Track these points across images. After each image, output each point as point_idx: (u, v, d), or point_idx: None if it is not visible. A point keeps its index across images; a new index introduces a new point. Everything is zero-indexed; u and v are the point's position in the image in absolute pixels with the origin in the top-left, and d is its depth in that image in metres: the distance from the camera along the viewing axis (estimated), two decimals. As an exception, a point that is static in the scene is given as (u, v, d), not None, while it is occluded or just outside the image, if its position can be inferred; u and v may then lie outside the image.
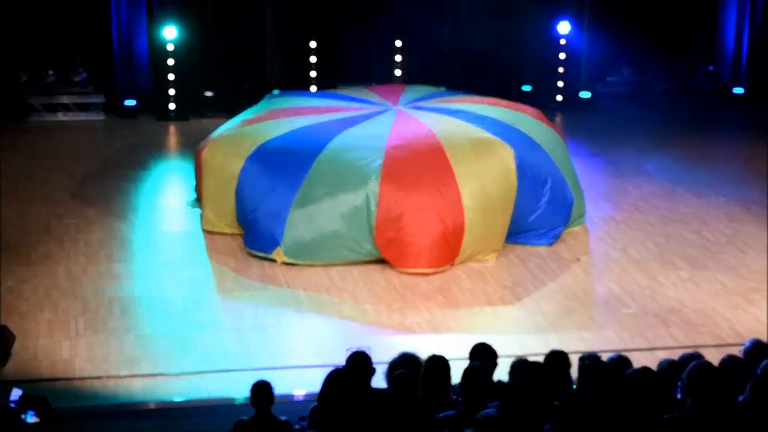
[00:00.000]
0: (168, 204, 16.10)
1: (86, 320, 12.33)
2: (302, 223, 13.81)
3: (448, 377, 7.91)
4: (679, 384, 7.52)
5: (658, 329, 12.42)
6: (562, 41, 20.97)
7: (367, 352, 8.26)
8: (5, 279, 13.20)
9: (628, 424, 7.09)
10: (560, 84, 21.13)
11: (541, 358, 8.36)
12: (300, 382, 10.93)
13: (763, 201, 16.12)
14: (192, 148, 16.42)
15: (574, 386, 8.17)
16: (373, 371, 8.20)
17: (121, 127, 19.65)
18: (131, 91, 20.10)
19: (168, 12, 19.82)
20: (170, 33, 19.79)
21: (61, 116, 19.89)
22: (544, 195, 14.51)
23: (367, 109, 15.75)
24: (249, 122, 15.50)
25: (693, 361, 7.62)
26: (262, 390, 8.14)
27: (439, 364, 7.87)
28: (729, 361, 8.18)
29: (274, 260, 13.83)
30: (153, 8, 19.90)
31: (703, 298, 13.21)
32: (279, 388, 8.41)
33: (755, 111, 20.88)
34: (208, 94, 20.29)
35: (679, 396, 7.66)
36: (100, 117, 20.02)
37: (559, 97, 21.12)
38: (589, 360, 8.22)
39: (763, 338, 9.20)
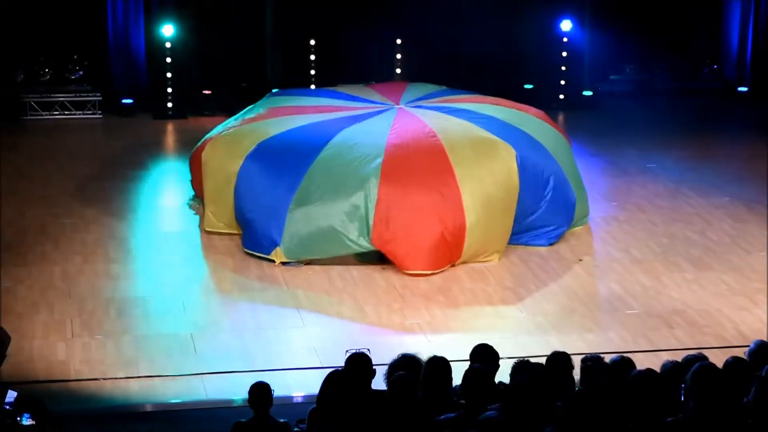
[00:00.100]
0: (166, 204, 16.04)
1: (82, 321, 12.27)
2: (301, 221, 13.75)
3: (449, 379, 7.84)
4: (683, 386, 7.42)
5: (661, 330, 12.35)
6: (565, 39, 20.92)
7: (367, 353, 8.19)
8: (1, 279, 13.12)
9: (631, 426, 7.00)
10: (562, 82, 21.07)
11: (542, 360, 8.28)
12: (299, 384, 10.92)
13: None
14: (190, 147, 16.33)
15: (577, 388, 8.09)
16: (372, 373, 8.13)
17: (119, 125, 19.65)
18: (128, 89, 20.09)
19: (166, 10, 19.78)
20: (168, 31, 19.75)
21: (57, 115, 19.84)
22: (546, 195, 14.44)
23: (367, 108, 15.68)
24: (248, 121, 15.44)
25: (697, 362, 7.51)
26: (260, 392, 8.08)
27: (440, 365, 7.80)
28: (733, 362, 8.10)
29: (273, 260, 13.76)
30: (151, 6, 19.89)
31: (707, 299, 13.14)
32: (278, 390, 8.37)
33: (759, 110, 20.81)
34: (206, 92, 20.24)
35: (682, 398, 7.57)
36: (97, 116, 19.97)
37: (561, 96, 21.05)
38: (592, 361, 8.15)
39: (768, 340, 9.12)
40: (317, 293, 13.14)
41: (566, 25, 20.88)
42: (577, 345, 11.63)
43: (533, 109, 16.10)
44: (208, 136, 15.69)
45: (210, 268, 13.88)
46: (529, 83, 21.21)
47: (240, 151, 14.57)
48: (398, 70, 20.94)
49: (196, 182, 15.39)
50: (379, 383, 8.07)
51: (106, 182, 16.59)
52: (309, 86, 20.28)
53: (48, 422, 9.76)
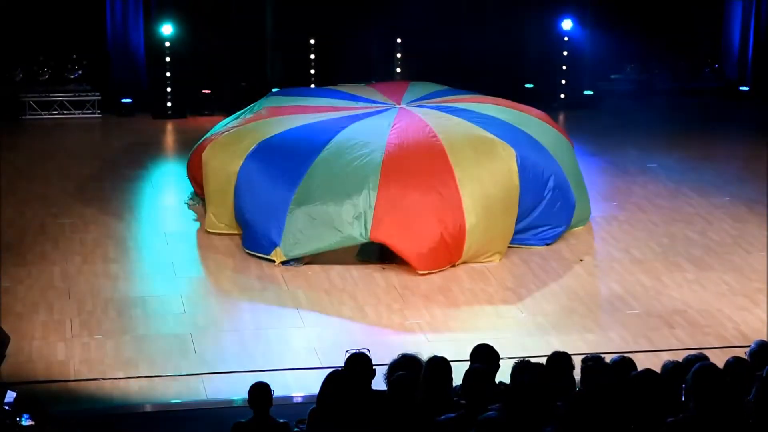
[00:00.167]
0: (165, 203, 16.01)
1: (82, 321, 12.24)
2: (301, 220, 13.73)
3: (449, 379, 7.83)
4: (684, 386, 7.41)
5: (662, 330, 12.33)
6: (565, 39, 20.91)
7: (367, 353, 8.17)
8: (0, 279, 13.10)
9: (632, 426, 6.99)
10: (563, 82, 21.06)
11: (543, 360, 8.26)
12: (299, 384, 10.89)
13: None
14: (189, 146, 16.31)
15: (577, 388, 8.07)
16: (372, 373, 8.12)
17: (118, 125, 19.63)
18: (128, 89, 20.06)
19: (165, 9, 19.76)
20: (167, 30, 19.73)
21: (56, 114, 19.82)
22: (545, 196, 14.42)
23: (368, 107, 15.65)
24: (248, 120, 15.43)
25: (697, 362, 7.50)
26: (260, 392, 8.05)
27: (440, 365, 7.78)
28: (734, 363, 8.09)
29: (272, 260, 13.73)
30: (150, 5, 19.86)
31: (708, 299, 13.12)
32: (278, 390, 8.34)
33: (760, 109, 20.79)
34: (206, 92, 20.22)
35: (683, 398, 7.55)
36: (96, 115, 19.95)
37: (561, 95, 21.04)
38: (592, 361, 8.13)
39: (769, 340, 9.10)
40: (317, 293, 13.12)
41: (567, 25, 20.87)
42: (578, 345, 11.62)
43: (535, 110, 16.07)
44: (207, 135, 15.69)
45: (210, 268, 13.85)
46: (530, 82, 21.20)
47: (240, 151, 14.55)
48: (398, 70, 20.91)
49: (196, 182, 15.38)
50: (379, 383, 8.05)
51: (105, 182, 16.56)
52: (309, 86, 20.26)
53: (47, 422, 9.75)
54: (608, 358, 8.26)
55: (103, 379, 11.09)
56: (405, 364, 8.01)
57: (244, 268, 13.72)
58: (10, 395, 9.88)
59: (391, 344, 11.36)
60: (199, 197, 15.44)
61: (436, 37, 20.67)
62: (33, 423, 9.63)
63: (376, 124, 14.92)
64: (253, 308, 12.82)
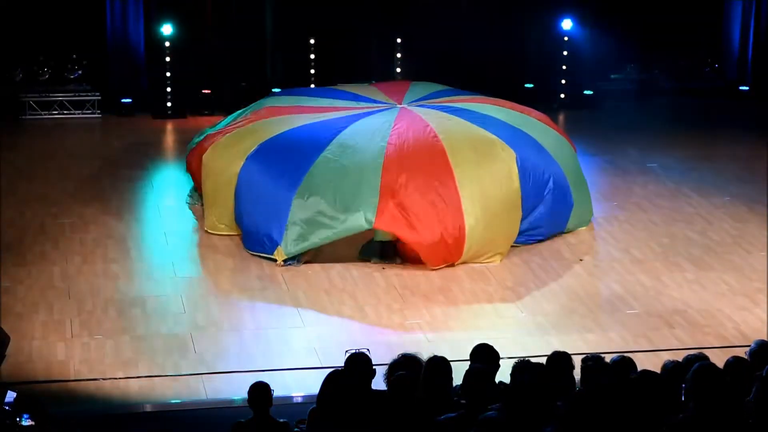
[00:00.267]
0: (165, 203, 15.98)
1: (81, 321, 12.23)
2: (303, 215, 13.73)
3: (449, 379, 7.82)
4: (684, 386, 7.40)
5: (662, 330, 12.33)
6: (566, 38, 20.89)
7: (367, 353, 8.16)
8: (0, 279, 13.09)
9: (632, 426, 6.98)
10: (563, 82, 21.05)
11: (543, 360, 8.25)
12: (299, 384, 10.88)
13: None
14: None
15: (577, 388, 8.07)
16: (372, 373, 8.11)
17: (118, 125, 19.61)
18: (127, 88, 20.04)
19: (165, 9, 19.74)
20: (167, 30, 19.72)
21: (56, 114, 19.81)
22: (545, 197, 14.42)
23: (370, 107, 15.64)
24: (249, 120, 15.41)
25: (697, 362, 7.50)
26: (260, 392, 8.04)
27: (440, 365, 7.78)
28: (734, 362, 8.08)
29: (273, 260, 13.72)
30: (150, 5, 19.84)
31: (708, 299, 13.11)
32: (278, 390, 8.34)
33: (761, 109, 20.77)
34: (206, 92, 20.21)
35: (683, 398, 7.55)
36: (96, 115, 19.94)
37: (561, 95, 21.03)
38: (592, 361, 8.13)
39: (769, 339, 9.10)
40: (317, 293, 13.11)
41: (567, 25, 20.85)
42: (578, 345, 11.61)
43: (536, 112, 16.06)
44: (208, 132, 15.70)
45: (210, 268, 13.84)
46: (530, 82, 21.19)
47: (241, 152, 14.56)
48: (398, 70, 20.90)
49: (195, 178, 15.38)
50: (379, 383, 8.04)
51: (105, 182, 16.55)
52: (309, 86, 20.24)
53: (47, 422, 9.73)
54: (608, 358, 8.25)
55: (103, 379, 11.08)
56: (405, 364, 8.01)
57: (244, 268, 13.72)
58: (10, 395, 9.86)
59: (391, 344, 11.36)
60: (198, 194, 15.43)
61: (436, 37, 20.65)
62: (33, 423, 9.61)
63: (377, 123, 14.92)
64: (253, 308, 12.81)
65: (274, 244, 13.75)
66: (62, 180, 16.58)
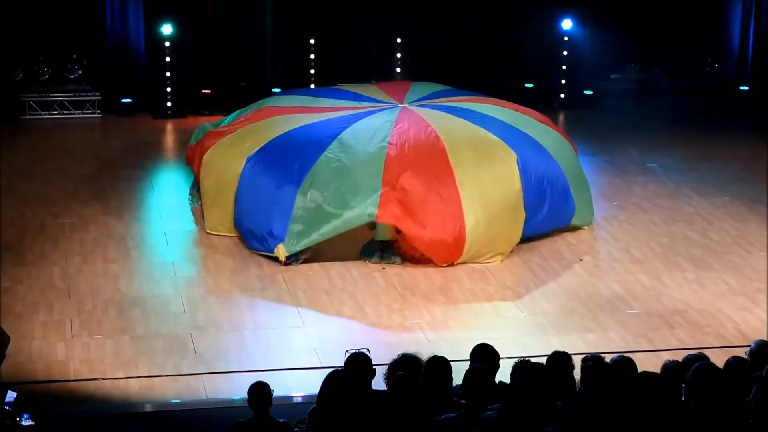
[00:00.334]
0: (165, 203, 15.97)
1: (81, 321, 12.23)
2: (306, 210, 13.75)
3: (449, 378, 7.82)
4: (684, 386, 7.40)
5: (662, 330, 12.32)
6: (566, 38, 20.89)
7: (367, 353, 8.15)
8: (0, 279, 13.09)
9: (632, 426, 6.97)
10: (563, 81, 21.05)
11: (543, 360, 8.25)
12: (299, 384, 10.87)
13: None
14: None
15: (577, 388, 8.06)
16: (372, 373, 8.10)
17: (118, 125, 19.61)
18: (127, 88, 20.03)
19: (165, 9, 19.74)
20: (167, 30, 19.72)
21: (56, 114, 19.81)
22: (546, 198, 14.43)
23: (371, 106, 15.64)
24: (250, 120, 15.41)
25: (697, 362, 7.50)
26: (260, 391, 8.04)
27: (440, 365, 7.77)
28: (734, 362, 8.08)
29: (274, 259, 13.73)
30: (150, 5, 19.83)
31: (708, 299, 13.11)
32: (277, 390, 8.33)
33: (760, 109, 20.77)
34: (206, 92, 20.21)
35: (683, 398, 7.54)
36: (96, 115, 19.94)
37: (561, 95, 21.03)
38: (592, 361, 8.12)
39: (769, 339, 9.10)
40: (317, 293, 13.11)
41: (567, 25, 20.85)
42: (578, 345, 11.61)
43: (536, 113, 16.07)
44: (208, 128, 15.74)
45: (210, 268, 13.83)
46: (530, 82, 21.19)
47: (242, 154, 14.58)
48: (398, 70, 20.90)
49: (196, 173, 15.38)
50: (379, 383, 8.04)
51: (105, 182, 16.55)
52: (309, 86, 20.25)
53: (47, 422, 9.73)
54: (608, 358, 8.25)
55: (103, 379, 11.08)
56: (405, 364, 8.00)
57: (244, 268, 13.71)
58: (11, 395, 9.86)
59: (391, 344, 11.35)
60: (198, 193, 15.41)
61: (436, 37, 20.65)
62: (33, 423, 9.62)
63: (378, 122, 14.92)
64: (253, 308, 12.80)
65: (276, 242, 13.74)
66: (62, 180, 16.58)
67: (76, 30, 19.79)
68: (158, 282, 13.32)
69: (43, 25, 19.67)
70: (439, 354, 7.93)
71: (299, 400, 10.45)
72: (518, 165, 14.22)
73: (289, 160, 14.21)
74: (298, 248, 13.69)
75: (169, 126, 19.63)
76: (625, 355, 8.39)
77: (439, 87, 16.75)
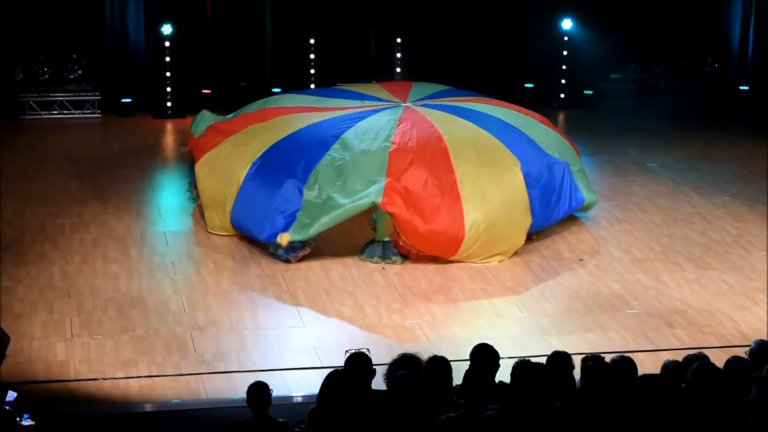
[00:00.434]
0: (165, 203, 15.97)
1: (81, 321, 12.23)
2: (311, 201, 13.78)
3: (449, 378, 7.81)
4: (684, 386, 7.40)
5: (662, 330, 12.33)
6: (566, 38, 20.88)
7: (367, 353, 8.15)
8: (0, 279, 13.09)
9: (632, 426, 6.97)
10: (563, 81, 21.04)
11: (543, 360, 8.25)
12: (299, 384, 10.87)
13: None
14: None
15: (577, 388, 8.06)
16: (373, 372, 8.10)
17: (118, 125, 19.59)
18: (127, 88, 20.02)
19: (165, 9, 19.73)
20: (167, 30, 19.72)
21: (56, 114, 19.81)
22: (552, 198, 14.46)
23: (375, 105, 15.65)
24: (253, 120, 15.41)
25: (697, 362, 7.50)
26: (259, 391, 8.03)
27: (440, 365, 7.77)
28: (734, 362, 8.08)
29: (274, 259, 13.72)
30: (150, 5, 19.83)
31: (708, 299, 13.11)
32: (277, 390, 8.36)
33: (761, 109, 20.75)
34: (206, 92, 20.21)
35: (683, 398, 7.54)
36: (96, 115, 19.93)
37: (562, 95, 21.03)
38: (592, 361, 8.10)
39: (769, 339, 9.10)
40: (317, 293, 13.11)
41: (567, 24, 20.84)
42: (578, 345, 11.61)
43: (538, 115, 16.09)
44: (208, 116, 15.83)
45: (210, 268, 13.82)
46: (530, 82, 21.17)
47: (247, 155, 14.59)
48: (398, 70, 20.89)
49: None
50: (379, 383, 8.04)
51: (105, 182, 16.54)
52: (309, 86, 20.25)
53: (47, 422, 9.74)
54: (608, 358, 8.25)
55: (103, 378, 11.08)
56: (405, 364, 8.00)
57: (244, 268, 13.72)
58: (11, 395, 9.87)
59: (391, 344, 11.35)
60: (196, 187, 15.40)
61: (436, 37, 20.65)
62: (33, 423, 9.63)
63: (381, 121, 14.95)
64: (252, 308, 12.80)
65: (279, 230, 13.73)
66: (62, 180, 16.57)
67: (76, 30, 19.78)
68: (158, 282, 13.32)
69: (43, 25, 19.67)
70: (439, 354, 7.92)
71: (299, 400, 10.45)
72: (522, 170, 14.24)
73: (294, 159, 14.25)
74: (301, 237, 13.66)
75: (169, 126, 19.62)
76: (625, 355, 8.41)
77: (440, 87, 16.78)
